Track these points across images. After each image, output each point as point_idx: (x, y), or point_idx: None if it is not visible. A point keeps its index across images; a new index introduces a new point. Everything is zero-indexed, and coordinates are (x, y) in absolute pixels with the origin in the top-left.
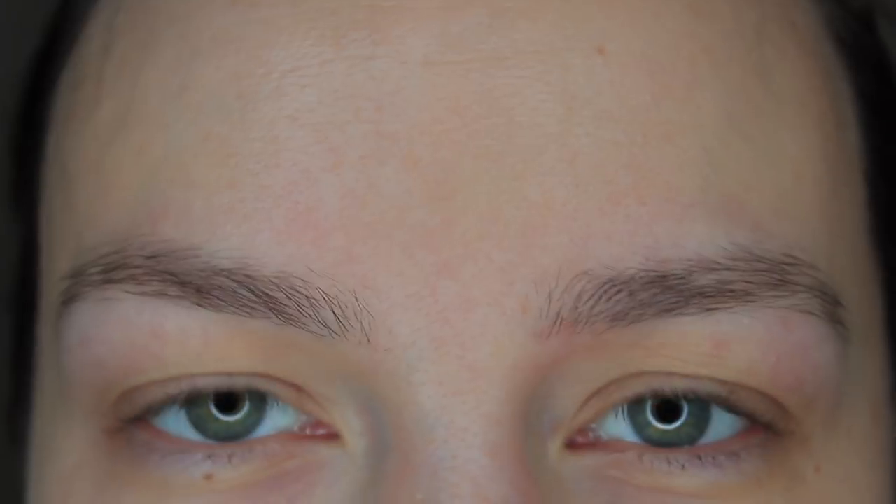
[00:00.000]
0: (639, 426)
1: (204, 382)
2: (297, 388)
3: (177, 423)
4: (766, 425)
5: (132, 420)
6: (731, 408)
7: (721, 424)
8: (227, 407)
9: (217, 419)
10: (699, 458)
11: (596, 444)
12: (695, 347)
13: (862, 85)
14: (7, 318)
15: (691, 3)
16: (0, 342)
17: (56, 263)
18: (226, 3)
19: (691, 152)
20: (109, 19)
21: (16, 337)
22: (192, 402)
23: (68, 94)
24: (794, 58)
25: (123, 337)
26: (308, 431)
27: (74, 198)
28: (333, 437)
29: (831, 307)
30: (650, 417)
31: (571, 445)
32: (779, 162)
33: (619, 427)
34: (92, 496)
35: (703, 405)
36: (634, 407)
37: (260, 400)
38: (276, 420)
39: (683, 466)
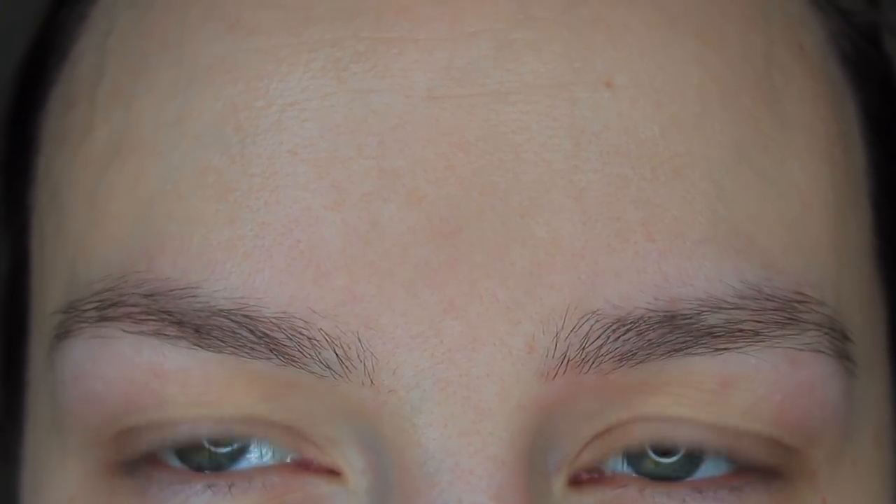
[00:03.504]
0: (634, 458)
1: (203, 429)
2: (295, 432)
3: (166, 455)
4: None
5: (132, 460)
6: (736, 461)
7: (717, 460)
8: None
9: (203, 448)
10: (700, 492)
11: (599, 480)
12: (700, 385)
13: (866, 101)
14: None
15: (699, 30)
16: None
17: (48, 291)
18: (222, 29)
19: (700, 186)
20: (101, 40)
21: (4, 353)
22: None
23: (59, 114)
24: (802, 82)
25: (121, 375)
26: (309, 465)
27: (67, 225)
28: (334, 472)
29: (840, 343)
30: (648, 451)
31: (575, 482)
32: (787, 192)
33: (617, 462)
34: None
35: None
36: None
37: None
38: (262, 449)
39: (684, 500)
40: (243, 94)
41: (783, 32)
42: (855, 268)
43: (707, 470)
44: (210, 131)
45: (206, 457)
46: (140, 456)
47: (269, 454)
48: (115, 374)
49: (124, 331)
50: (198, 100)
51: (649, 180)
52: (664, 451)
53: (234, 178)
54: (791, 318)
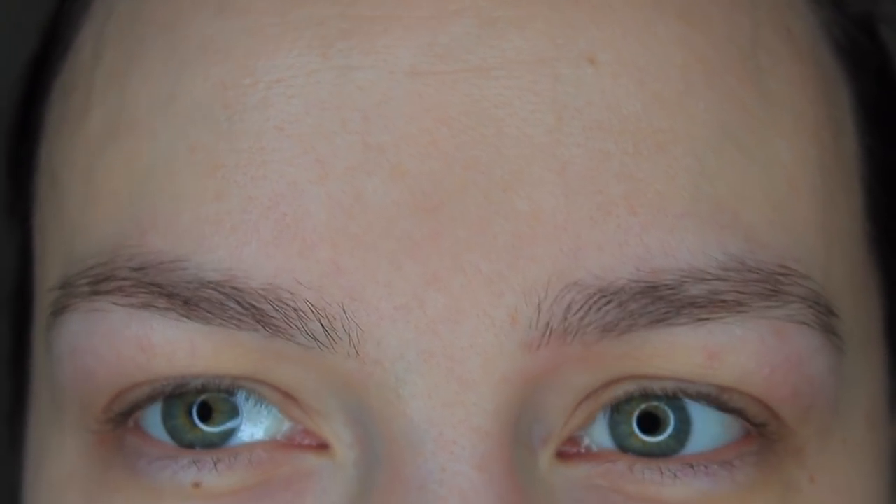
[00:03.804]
0: (620, 437)
1: (191, 380)
2: (285, 395)
3: (157, 433)
4: (760, 427)
5: (121, 417)
6: (722, 407)
7: (704, 436)
8: (201, 418)
9: (194, 427)
10: (691, 466)
11: (587, 455)
12: (687, 358)
13: (861, 91)
14: (7, 321)
15: (684, 10)
16: (2, 345)
17: (47, 272)
18: (213, 11)
19: (683, 161)
20: (100, 27)
21: (14, 343)
22: (171, 408)
23: (60, 102)
24: (790, 64)
25: (111, 349)
26: (296, 441)
27: (64, 207)
28: (322, 447)
29: (825, 318)
30: (634, 428)
31: (562, 455)
32: (773, 171)
33: (605, 438)
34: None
35: (686, 416)
36: (616, 418)
37: (233, 411)
38: (252, 430)
39: (675, 475)
40: (232, 73)
41: (770, 15)
42: (844, 249)
43: (697, 443)
44: (200, 109)
45: (199, 436)
46: (125, 409)
47: (263, 428)
48: (105, 349)
49: (115, 304)
50: (188, 79)
51: (632, 155)
52: (647, 419)
53: (222, 155)
54: (774, 290)
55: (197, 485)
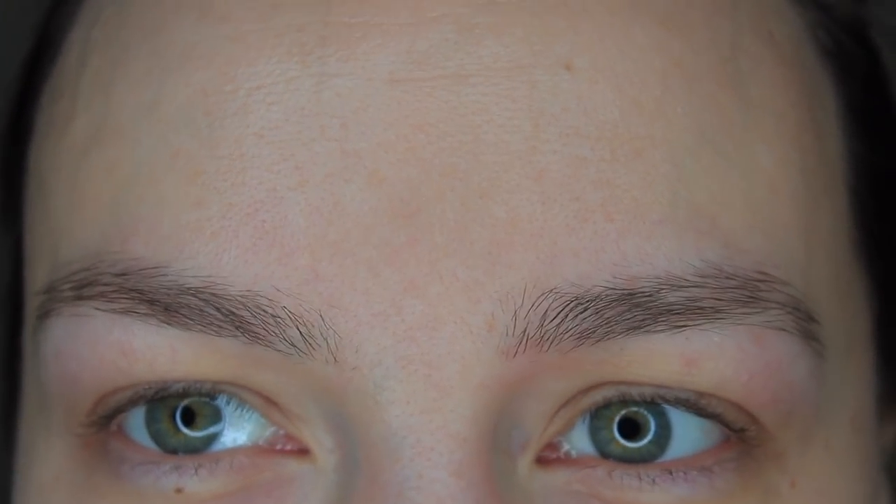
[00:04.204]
0: (601, 443)
1: (173, 385)
2: (267, 399)
3: (141, 437)
4: (740, 433)
5: (104, 420)
6: (700, 412)
7: (685, 441)
8: (184, 423)
9: (178, 432)
10: (670, 472)
11: (566, 461)
12: (665, 365)
13: (848, 94)
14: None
15: (662, 16)
16: None
17: (34, 276)
18: (195, 18)
19: (661, 168)
20: (87, 32)
21: (6, 345)
22: (154, 412)
23: (48, 106)
24: (771, 68)
25: (93, 354)
26: (278, 446)
27: (51, 211)
28: (303, 452)
29: (805, 323)
30: (615, 433)
31: (541, 461)
32: (752, 176)
33: (585, 444)
34: None
35: (666, 421)
36: (596, 423)
37: (215, 415)
38: (235, 434)
39: (654, 481)
40: (213, 80)
41: (751, 19)
42: (827, 254)
43: (676, 450)
44: (181, 116)
45: (182, 441)
46: (107, 412)
47: (246, 433)
48: (87, 354)
49: (98, 309)
50: (170, 86)
51: (609, 161)
52: (627, 424)
53: (202, 161)
54: (752, 297)
55: (179, 490)
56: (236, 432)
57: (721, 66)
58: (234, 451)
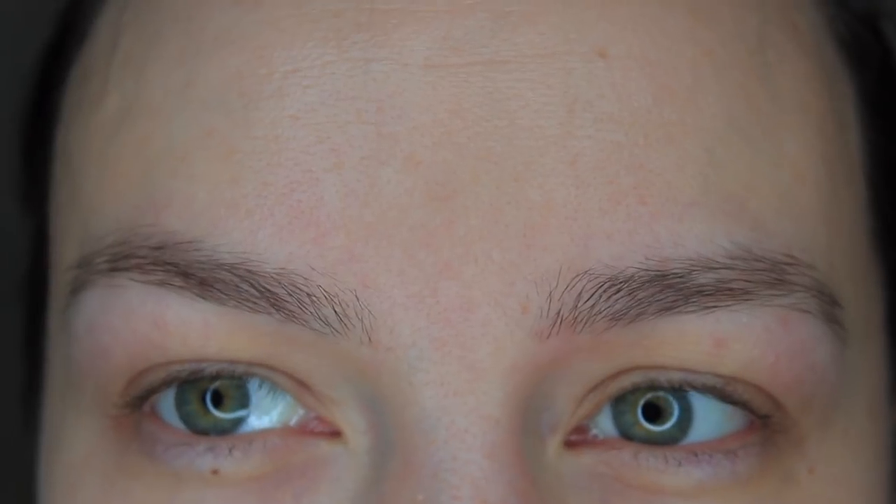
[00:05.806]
0: (625, 426)
1: (207, 366)
2: (299, 382)
3: (171, 418)
4: (765, 419)
5: (137, 401)
6: (726, 398)
7: (706, 425)
8: (213, 405)
9: (207, 413)
10: (696, 454)
11: (593, 443)
12: (694, 346)
13: (864, 86)
14: (15, 310)
15: (692, 7)
16: (9, 334)
17: (64, 253)
18: (229, 3)
19: (692, 153)
20: (117, 17)
21: (26, 330)
22: (184, 393)
23: (76, 89)
24: (795, 60)
25: (127, 326)
26: (309, 427)
27: (80, 188)
28: (335, 434)
29: (829, 307)
30: (639, 417)
31: (570, 444)
32: (779, 162)
33: (609, 427)
34: (101, 487)
35: (688, 405)
36: (621, 407)
37: (243, 399)
38: (263, 418)
39: (680, 463)
40: (248, 63)
41: (777, 12)
42: (847, 240)
43: (699, 432)
44: (215, 97)
45: (212, 422)
46: (140, 393)
47: (274, 416)
48: (120, 325)
49: (133, 280)
50: (204, 68)
51: (642, 146)
52: (650, 409)
53: (237, 141)
54: (780, 279)
55: (215, 472)
56: (264, 415)
57: (749, 57)
58: (266, 432)
